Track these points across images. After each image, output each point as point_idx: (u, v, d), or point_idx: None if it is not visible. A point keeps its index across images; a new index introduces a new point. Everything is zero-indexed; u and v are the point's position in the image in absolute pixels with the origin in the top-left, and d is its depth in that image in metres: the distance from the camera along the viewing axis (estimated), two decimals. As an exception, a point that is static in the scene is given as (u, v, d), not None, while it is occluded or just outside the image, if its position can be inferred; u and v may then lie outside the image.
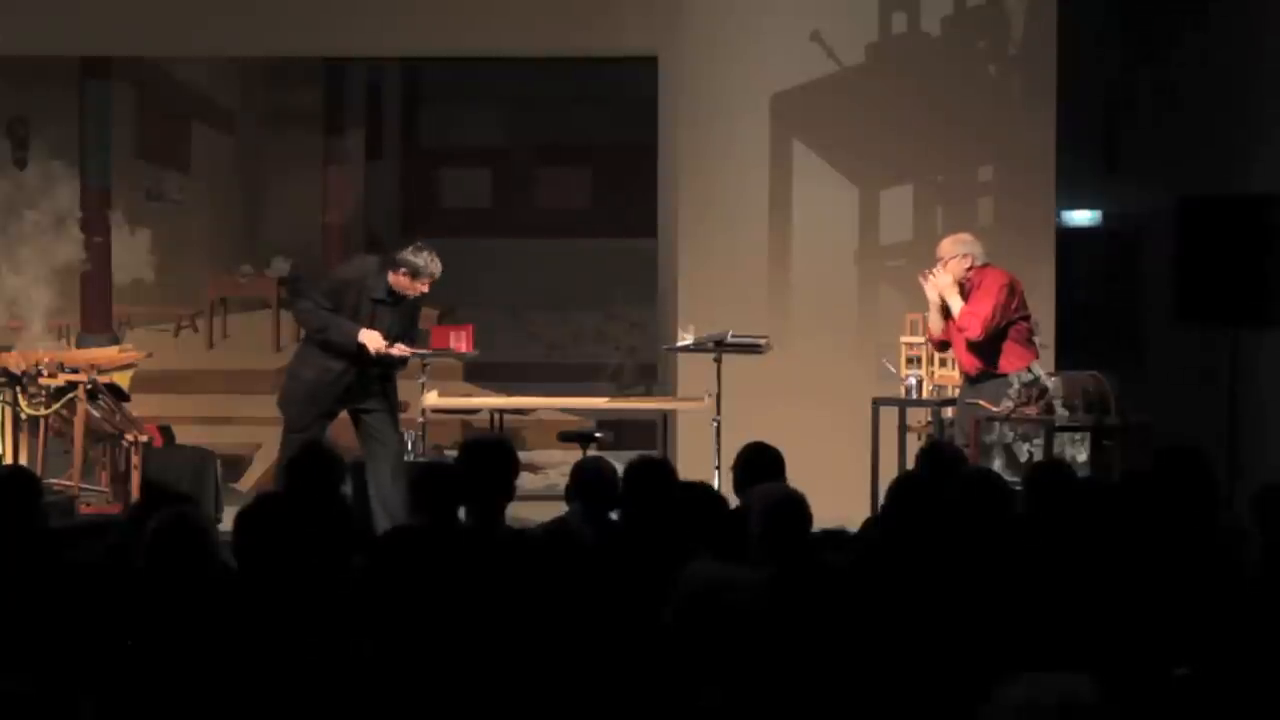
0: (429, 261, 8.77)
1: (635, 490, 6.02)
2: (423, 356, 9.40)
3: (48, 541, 5.84)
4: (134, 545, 4.94)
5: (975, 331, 8.61)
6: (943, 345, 9.03)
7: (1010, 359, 8.62)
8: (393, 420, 8.99)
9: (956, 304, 8.71)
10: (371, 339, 8.73)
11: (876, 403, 9.52)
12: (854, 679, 3.98)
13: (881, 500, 6.43)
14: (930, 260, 8.94)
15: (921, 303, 9.08)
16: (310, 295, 9.01)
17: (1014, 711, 2.82)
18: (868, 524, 5.98)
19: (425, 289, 8.86)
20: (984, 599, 4.83)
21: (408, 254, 8.78)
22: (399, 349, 8.83)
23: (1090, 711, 2.84)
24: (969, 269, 8.76)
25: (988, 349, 8.64)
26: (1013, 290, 8.70)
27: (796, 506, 5.33)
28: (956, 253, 8.79)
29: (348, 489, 8.14)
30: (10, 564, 5.35)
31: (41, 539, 5.84)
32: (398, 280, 8.79)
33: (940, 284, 8.75)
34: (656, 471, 6.12)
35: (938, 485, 5.81)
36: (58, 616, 4.69)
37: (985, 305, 8.63)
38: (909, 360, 9.75)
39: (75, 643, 4.54)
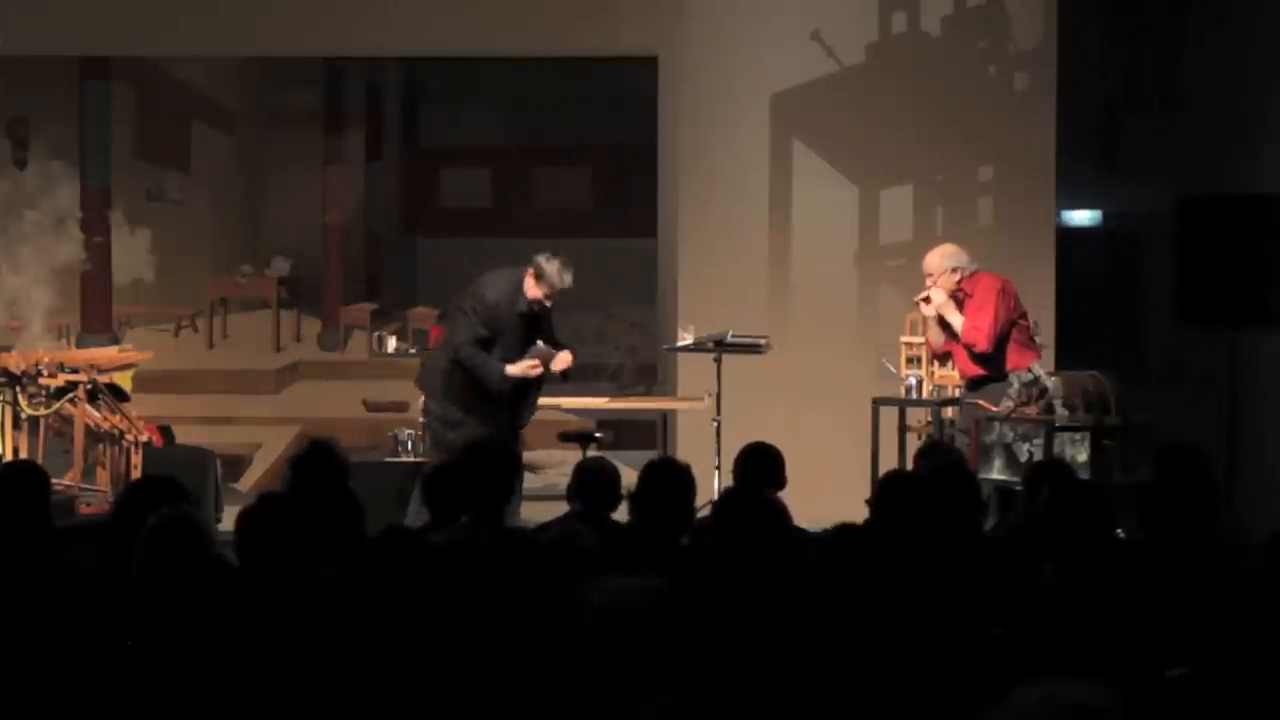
0: (557, 271, 8.42)
1: (651, 492, 5.93)
2: (424, 355, 9.40)
3: (52, 538, 5.84)
4: (125, 541, 4.93)
5: (983, 345, 8.59)
6: (945, 356, 9.02)
7: (1014, 360, 8.61)
8: None
9: (957, 320, 8.67)
10: (518, 369, 8.48)
11: (876, 403, 9.51)
12: (832, 676, 3.99)
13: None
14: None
15: (921, 303, 9.08)
16: (471, 329, 8.52)
17: (1026, 713, 2.82)
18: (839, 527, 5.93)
19: (544, 294, 8.46)
20: (977, 597, 4.83)
21: (541, 257, 8.47)
22: (536, 362, 8.47)
23: (1105, 717, 2.83)
24: (959, 280, 8.74)
25: (992, 355, 8.63)
26: (1006, 293, 8.68)
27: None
28: (945, 267, 8.74)
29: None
30: (14, 559, 5.34)
31: (47, 534, 5.84)
32: (529, 284, 8.49)
33: (936, 303, 8.72)
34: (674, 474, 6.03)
35: (927, 483, 5.82)
36: (56, 614, 4.68)
37: (985, 317, 8.60)
38: (909, 360, 9.76)
39: (73, 641, 4.53)
